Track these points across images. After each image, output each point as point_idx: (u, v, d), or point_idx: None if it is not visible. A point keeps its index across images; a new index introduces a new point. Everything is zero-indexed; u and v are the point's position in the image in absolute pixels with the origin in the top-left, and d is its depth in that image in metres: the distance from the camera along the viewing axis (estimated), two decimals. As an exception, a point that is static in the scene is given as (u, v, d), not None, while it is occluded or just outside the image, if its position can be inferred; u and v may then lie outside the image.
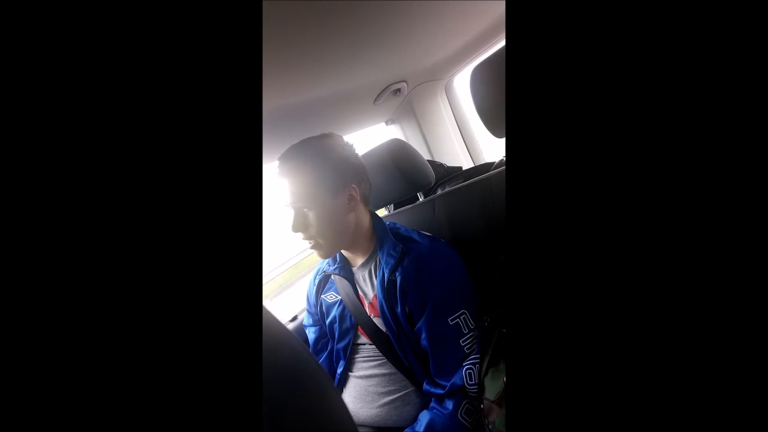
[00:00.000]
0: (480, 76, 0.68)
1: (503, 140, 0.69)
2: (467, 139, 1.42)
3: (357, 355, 0.76)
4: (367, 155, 0.92)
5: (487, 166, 1.01)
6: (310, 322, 0.85)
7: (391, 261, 0.69)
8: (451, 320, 0.65)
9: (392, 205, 1.10)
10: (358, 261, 0.76)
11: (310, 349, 0.84)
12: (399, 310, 0.68)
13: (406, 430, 0.66)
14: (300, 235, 0.69)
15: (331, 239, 0.69)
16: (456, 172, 1.11)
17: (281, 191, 0.68)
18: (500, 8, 0.93)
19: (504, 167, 0.79)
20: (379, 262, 0.71)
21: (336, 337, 0.78)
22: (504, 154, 1.02)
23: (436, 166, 1.13)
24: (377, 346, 0.72)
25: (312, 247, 0.70)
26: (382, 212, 1.10)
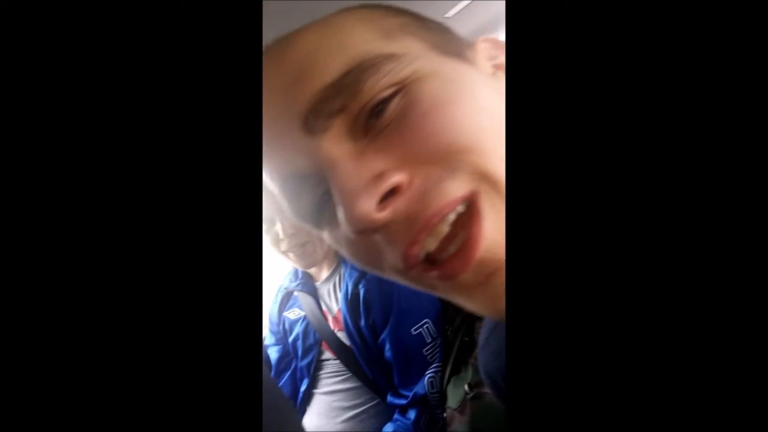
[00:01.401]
0: None
1: None
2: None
3: (321, 372, 0.75)
4: None
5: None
6: (273, 341, 0.83)
7: (355, 273, 0.69)
8: (414, 330, 0.66)
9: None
10: (322, 275, 0.76)
11: (272, 371, 0.81)
12: (363, 323, 0.68)
13: (371, 444, 0.66)
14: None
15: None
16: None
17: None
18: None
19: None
20: (343, 275, 0.71)
21: (299, 354, 0.77)
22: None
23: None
24: (342, 361, 0.72)
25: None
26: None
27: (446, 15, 1.01)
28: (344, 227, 0.18)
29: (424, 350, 0.66)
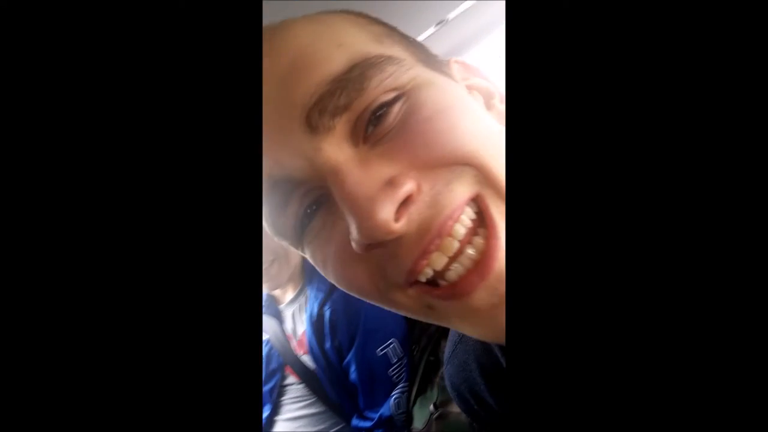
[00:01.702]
0: None
1: None
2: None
3: (284, 398, 0.72)
4: None
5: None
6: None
7: (321, 295, 0.69)
8: (380, 351, 0.66)
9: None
10: (286, 297, 0.75)
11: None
12: (328, 345, 0.67)
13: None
14: None
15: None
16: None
17: None
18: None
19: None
20: (309, 297, 0.70)
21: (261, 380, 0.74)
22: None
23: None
24: (306, 385, 0.70)
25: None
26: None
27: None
28: (356, 238, 0.17)
29: (390, 371, 0.66)
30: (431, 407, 0.60)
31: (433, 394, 0.61)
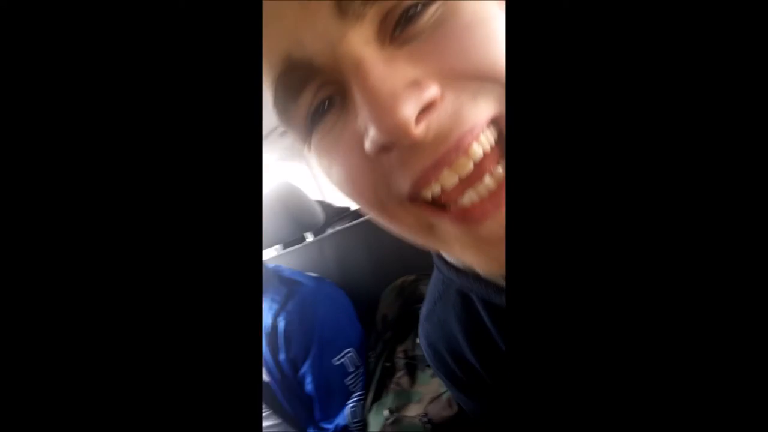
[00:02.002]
0: None
1: None
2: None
3: (238, 412, 0.70)
4: None
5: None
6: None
7: (275, 306, 0.67)
8: (336, 360, 0.66)
9: (281, 245, 1.08)
10: (240, 308, 0.73)
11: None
12: (283, 357, 0.66)
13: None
14: None
15: None
16: (345, 212, 1.16)
17: None
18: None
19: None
20: (262, 308, 0.69)
21: (214, 395, 0.71)
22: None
23: (325, 206, 1.17)
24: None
25: None
26: (271, 252, 1.08)
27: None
28: (372, 136, 0.16)
29: (347, 380, 0.66)
30: (386, 412, 0.61)
31: (388, 399, 0.62)
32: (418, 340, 0.64)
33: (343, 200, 1.41)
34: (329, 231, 1.00)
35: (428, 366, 0.61)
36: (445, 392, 0.58)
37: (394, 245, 0.79)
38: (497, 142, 0.17)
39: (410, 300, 0.70)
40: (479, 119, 0.17)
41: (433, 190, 0.18)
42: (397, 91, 0.16)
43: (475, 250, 0.18)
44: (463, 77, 0.16)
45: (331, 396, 0.65)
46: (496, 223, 0.17)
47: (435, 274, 0.34)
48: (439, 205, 0.18)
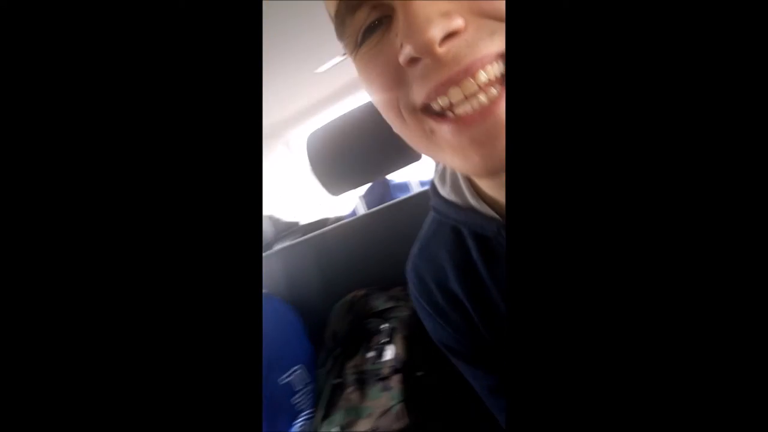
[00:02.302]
0: (317, 141, 0.75)
1: (338, 197, 0.76)
2: (306, 193, 1.49)
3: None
4: None
5: (324, 222, 1.08)
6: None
7: (219, 324, 0.64)
8: (283, 379, 0.64)
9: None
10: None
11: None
12: (227, 377, 0.62)
13: None
14: None
15: None
16: (293, 228, 1.14)
17: None
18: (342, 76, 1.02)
19: (338, 224, 0.87)
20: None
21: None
22: (338, 213, 1.12)
23: (274, 220, 1.14)
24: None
25: None
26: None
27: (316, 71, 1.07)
28: (405, 50, 0.20)
29: (293, 399, 0.64)
30: (335, 429, 0.61)
31: (338, 416, 0.62)
32: (368, 355, 0.65)
33: (291, 215, 1.38)
34: (277, 246, 0.98)
35: (379, 380, 0.62)
36: (394, 405, 0.60)
37: (345, 260, 0.80)
38: (502, 73, 0.21)
39: (361, 315, 0.71)
40: (490, 52, 0.20)
41: (441, 102, 0.21)
42: (431, 17, 0.19)
43: (461, 152, 0.22)
44: (486, 16, 0.20)
45: (278, 416, 0.63)
46: (482, 129, 0.21)
47: (430, 216, 0.39)
48: (442, 114, 0.22)
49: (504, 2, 0.20)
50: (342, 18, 0.23)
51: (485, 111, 0.21)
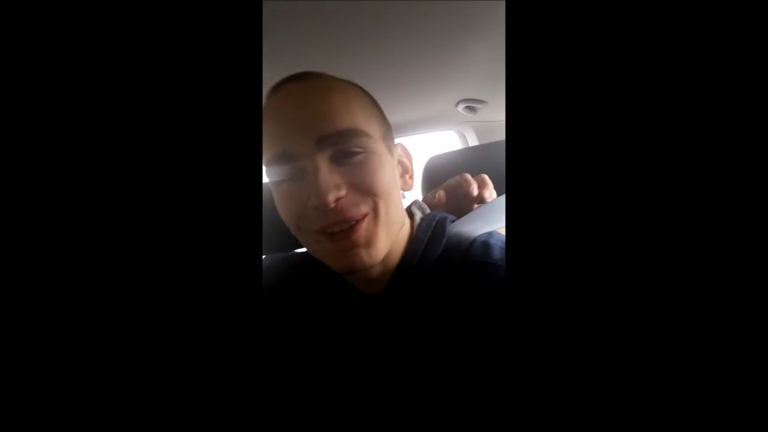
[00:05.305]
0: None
1: None
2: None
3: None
4: None
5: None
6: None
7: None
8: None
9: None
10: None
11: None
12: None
13: None
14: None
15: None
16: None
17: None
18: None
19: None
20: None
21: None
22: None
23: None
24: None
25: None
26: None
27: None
28: (312, 199, 0.33)
29: None
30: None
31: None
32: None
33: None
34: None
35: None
36: None
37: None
38: (367, 220, 0.34)
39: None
40: (360, 212, 0.34)
41: (329, 229, 0.34)
42: (329, 187, 0.32)
43: (331, 256, 0.35)
44: (360, 189, 0.34)
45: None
46: (345, 245, 0.34)
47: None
48: (327, 234, 0.34)
49: (371, 181, 0.34)
50: (278, 162, 0.34)
51: (346, 234, 0.33)
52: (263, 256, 0.54)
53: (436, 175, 0.65)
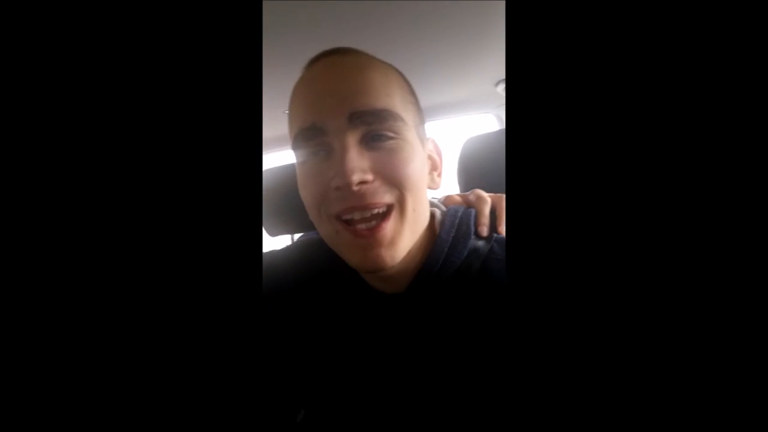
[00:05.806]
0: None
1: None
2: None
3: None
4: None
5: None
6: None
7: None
8: None
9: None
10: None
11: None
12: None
13: None
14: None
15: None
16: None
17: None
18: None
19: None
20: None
21: None
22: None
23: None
24: None
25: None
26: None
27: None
28: (335, 179, 0.30)
29: None
30: None
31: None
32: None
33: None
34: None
35: None
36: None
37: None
38: (387, 211, 0.32)
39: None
40: (382, 200, 0.31)
41: (349, 216, 0.32)
42: (355, 169, 0.30)
43: (350, 251, 0.33)
44: (388, 178, 0.31)
45: None
46: (366, 242, 0.32)
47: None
48: (347, 223, 0.32)
49: (400, 170, 0.31)
50: (305, 137, 0.32)
51: (371, 231, 0.31)
52: (298, 236, 0.53)
53: (474, 160, 0.61)
